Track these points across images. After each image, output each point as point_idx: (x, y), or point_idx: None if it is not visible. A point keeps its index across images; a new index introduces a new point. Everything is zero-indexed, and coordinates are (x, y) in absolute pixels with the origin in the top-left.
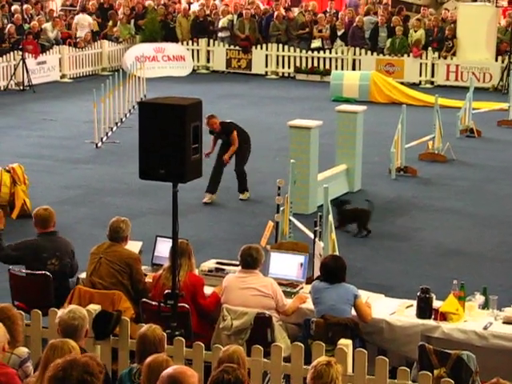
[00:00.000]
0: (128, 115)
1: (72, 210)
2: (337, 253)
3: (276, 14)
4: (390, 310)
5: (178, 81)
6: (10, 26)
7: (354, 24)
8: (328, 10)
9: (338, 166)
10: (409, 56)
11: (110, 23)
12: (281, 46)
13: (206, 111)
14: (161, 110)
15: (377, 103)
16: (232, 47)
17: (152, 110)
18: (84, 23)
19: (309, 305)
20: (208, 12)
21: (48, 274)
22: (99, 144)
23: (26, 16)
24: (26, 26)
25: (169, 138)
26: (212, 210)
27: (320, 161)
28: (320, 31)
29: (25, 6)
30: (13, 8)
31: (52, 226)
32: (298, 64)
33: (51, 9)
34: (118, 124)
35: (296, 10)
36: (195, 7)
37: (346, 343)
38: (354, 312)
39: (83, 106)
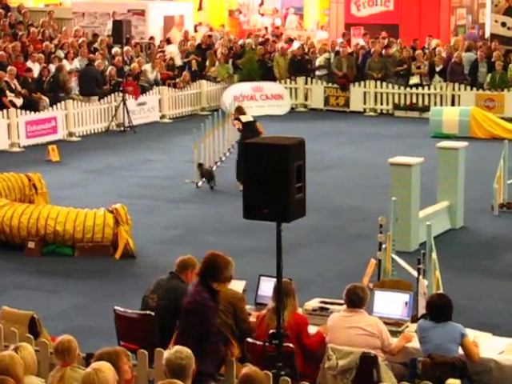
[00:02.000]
0: (228, 154)
1: (174, 249)
2: (441, 290)
3: (373, 50)
4: (498, 349)
5: (276, 119)
6: (110, 68)
7: (453, 60)
8: (426, 46)
9: (439, 203)
10: (509, 91)
11: (208, 63)
12: (379, 82)
13: (306, 150)
14: (264, 149)
15: (477, 139)
16: (330, 85)
17: (256, 149)
18: (174, 52)
19: (415, 344)
20: (306, 50)
21: (152, 313)
22: (199, 183)
23: (126, 58)
24: (127, 68)
25: (272, 177)
26: (312, 248)
27: (421, 198)
28: (418, 67)
29: (125, 49)
30: (113, 50)
31: (186, 271)
32: (396, 101)
33: (152, 51)
34: (218, 163)
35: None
36: (294, 46)
37: (454, 383)
38: (461, 351)
39: (183, 145)
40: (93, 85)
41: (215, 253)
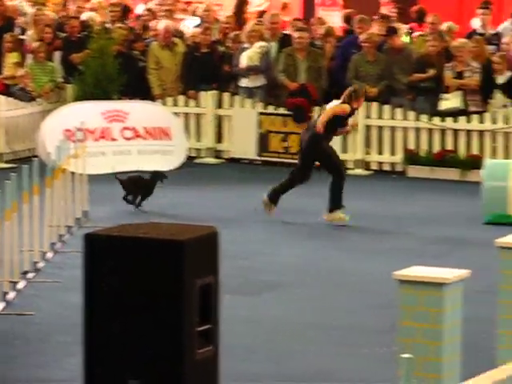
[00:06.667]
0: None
1: None
2: None
3: (365, 38)
4: None
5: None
6: None
7: None
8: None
9: None
10: None
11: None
12: (375, 105)
13: (225, 248)
14: (129, 252)
15: None
16: (270, 110)
17: (109, 255)
18: None
19: None
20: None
21: None
22: None
23: None
24: None
25: (148, 311)
26: None
27: None
28: (459, 75)
29: None
30: None
31: None
32: (411, 145)
33: None
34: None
35: None
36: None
37: None
38: None
39: None
40: None
41: None
